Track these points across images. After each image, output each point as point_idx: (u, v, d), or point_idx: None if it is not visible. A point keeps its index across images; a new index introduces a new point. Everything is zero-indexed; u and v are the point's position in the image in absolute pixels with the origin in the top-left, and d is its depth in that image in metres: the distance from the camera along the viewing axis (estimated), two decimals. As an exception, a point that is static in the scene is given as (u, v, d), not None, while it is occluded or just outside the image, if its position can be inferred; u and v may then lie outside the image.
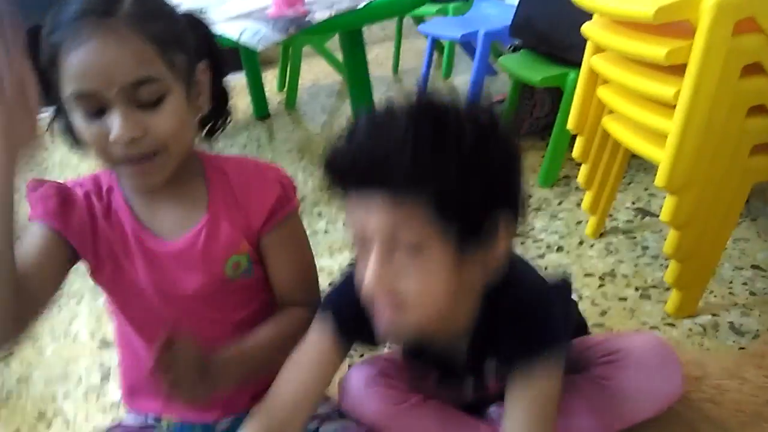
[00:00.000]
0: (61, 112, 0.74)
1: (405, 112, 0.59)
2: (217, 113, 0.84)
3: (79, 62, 0.66)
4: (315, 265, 0.91)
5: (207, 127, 0.85)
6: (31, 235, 0.75)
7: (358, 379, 0.83)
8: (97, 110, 0.68)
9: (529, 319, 0.69)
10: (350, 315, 0.71)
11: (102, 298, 1.46)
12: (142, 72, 0.67)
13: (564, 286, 0.84)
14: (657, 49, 1.00)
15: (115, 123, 0.67)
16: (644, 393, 0.81)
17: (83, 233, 0.77)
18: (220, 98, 0.83)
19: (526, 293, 0.71)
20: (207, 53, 0.78)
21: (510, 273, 0.68)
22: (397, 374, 0.83)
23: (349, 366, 0.93)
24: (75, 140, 0.75)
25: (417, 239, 0.59)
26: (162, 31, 0.69)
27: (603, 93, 1.26)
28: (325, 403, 0.84)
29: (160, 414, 0.86)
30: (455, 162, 0.56)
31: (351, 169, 0.59)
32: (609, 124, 1.28)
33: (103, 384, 1.29)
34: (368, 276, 0.60)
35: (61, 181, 0.80)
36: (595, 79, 1.30)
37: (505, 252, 0.64)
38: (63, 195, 0.78)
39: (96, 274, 0.80)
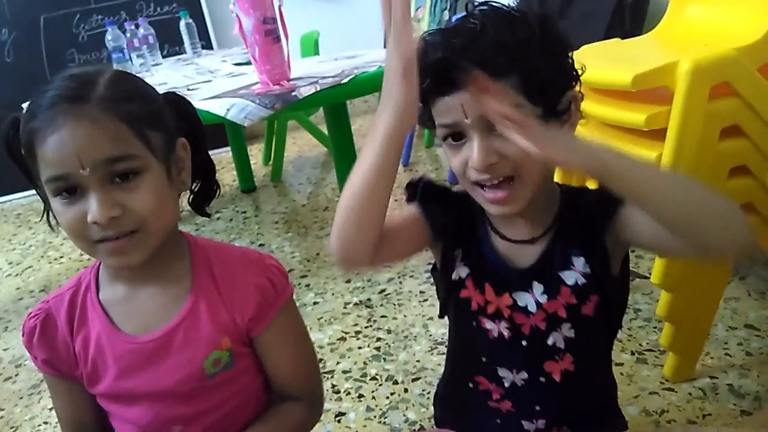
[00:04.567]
0: (43, 199, 0.73)
1: (471, 18, 0.68)
2: (205, 187, 0.84)
3: (53, 147, 0.66)
4: (315, 354, 0.89)
5: (195, 201, 0.84)
6: (52, 386, 0.83)
7: None
8: (74, 194, 0.68)
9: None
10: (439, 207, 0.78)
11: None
12: (115, 151, 0.67)
13: None
14: (636, 116, 1.03)
15: (93, 204, 0.67)
16: None
17: (68, 354, 0.79)
18: (206, 172, 0.83)
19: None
20: (188, 129, 0.79)
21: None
22: None
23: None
24: (56, 224, 0.74)
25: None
26: (136, 111, 0.69)
27: (586, 158, 1.28)
28: None
29: None
30: (534, 46, 0.65)
31: (449, 77, 0.66)
32: (593, 188, 1.29)
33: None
34: (477, 154, 0.67)
35: (45, 302, 0.80)
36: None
37: (575, 125, 0.73)
38: (44, 325, 0.79)
39: (87, 384, 0.80)
